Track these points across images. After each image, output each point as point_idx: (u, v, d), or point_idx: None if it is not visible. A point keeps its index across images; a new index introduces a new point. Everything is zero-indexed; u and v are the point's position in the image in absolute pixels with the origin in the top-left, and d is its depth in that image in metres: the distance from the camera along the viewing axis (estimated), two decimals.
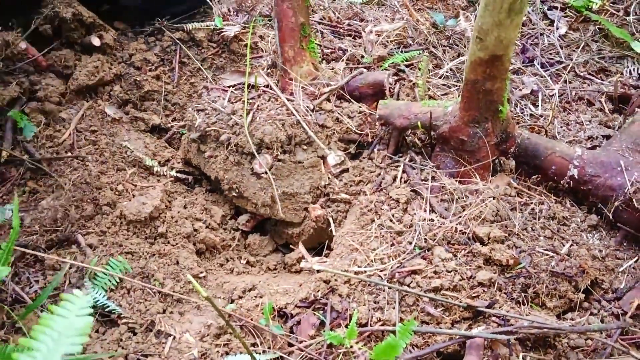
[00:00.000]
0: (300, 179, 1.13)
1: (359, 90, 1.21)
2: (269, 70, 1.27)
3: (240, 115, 1.13)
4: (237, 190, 1.17)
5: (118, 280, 1.03)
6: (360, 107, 1.20)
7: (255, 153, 1.11)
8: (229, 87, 1.23)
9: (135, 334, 0.98)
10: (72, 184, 1.15)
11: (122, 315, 0.99)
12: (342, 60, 1.36)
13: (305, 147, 1.13)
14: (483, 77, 0.97)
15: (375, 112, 1.20)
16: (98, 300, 0.99)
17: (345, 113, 1.18)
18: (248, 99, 1.17)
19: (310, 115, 1.14)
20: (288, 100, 1.16)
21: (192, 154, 1.21)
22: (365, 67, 1.28)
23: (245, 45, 1.47)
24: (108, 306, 0.99)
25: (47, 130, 1.25)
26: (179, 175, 1.22)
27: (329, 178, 1.13)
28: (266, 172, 1.12)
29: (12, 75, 1.24)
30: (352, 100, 1.20)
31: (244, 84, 1.22)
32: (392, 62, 1.35)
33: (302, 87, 1.17)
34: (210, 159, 1.17)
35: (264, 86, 1.22)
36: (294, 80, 1.18)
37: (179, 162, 1.26)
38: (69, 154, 1.22)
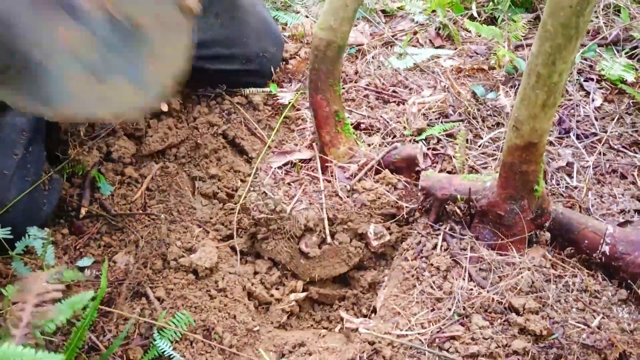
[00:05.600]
0: (344, 259, 1.24)
1: (394, 164, 1.31)
2: (310, 149, 1.39)
3: (285, 202, 1.26)
4: (287, 269, 1.29)
5: (182, 333, 1.14)
6: (398, 180, 1.30)
7: (301, 238, 1.24)
8: (278, 168, 1.36)
9: None
10: (144, 241, 1.28)
11: None
12: (378, 134, 1.47)
13: (346, 226, 1.24)
14: (519, 160, 1.07)
15: (410, 183, 1.30)
16: (165, 351, 1.11)
17: (382, 190, 1.28)
18: (291, 181, 1.29)
19: (349, 195, 1.25)
20: (328, 181, 1.27)
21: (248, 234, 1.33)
22: (399, 141, 1.39)
23: (297, 111, 1.59)
24: (174, 357, 1.10)
25: (120, 189, 1.39)
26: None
27: (371, 254, 1.23)
28: (314, 254, 1.23)
29: (92, 140, 1.39)
30: (390, 175, 1.30)
31: (289, 163, 1.35)
32: (430, 134, 1.45)
33: (340, 167, 1.28)
34: (262, 242, 1.29)
35: (307, 161, 1.34)
36: (332, 162, 1.29)
37: (240, 237, 1.37)
38: (140, 211, 1.36)
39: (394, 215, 1.27)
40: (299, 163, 1.34)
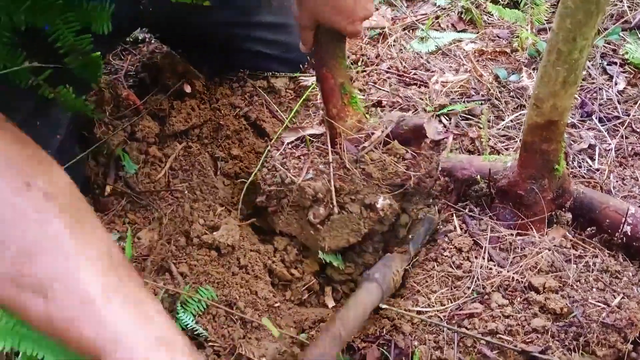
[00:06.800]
0: (353, 228, 1.25)
1: (402, 136, 1.30)
2: (322, 125, 1.39)
3: (294, 174, 1.27)
4: (299, 241, 1.31)
5: (205, 307, 1.17)
6: (406, 151, 1.29)
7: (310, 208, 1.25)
8: (288, 144, 1.37)
9: (219, 356, 1.11)
10: (168, 218, 1.31)
11: (208, 339, 1.13)
12: (397, 110, 1.47)
13: (353, 197, 1.24)
14: (540, 139, 1.07)
15: (418, 154, 1.29)
16: (188, 325, 1.13)
17: (390, 161, 1.27)
18: (301, 155, 1.30)
19: (356, 166, 1.25)
20: (336, 153, 1.27)
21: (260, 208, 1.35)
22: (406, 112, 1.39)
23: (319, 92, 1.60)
24: (197, 330, 1.13)
25: (144, 168, 1.41)
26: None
27: (380, 222, 1.23)
28: (321, 224, 1.24)
29: (117, 120, 1.42)
30: (397, 146, 1.29)
31: (300, 138, 1.35)
32: (452, 109, 1.45)
33: (348, 140, 1.28)
34: (273, 215, 1.30)
35: (317, 136, 1.35)
36: (340, 135, 1.29)
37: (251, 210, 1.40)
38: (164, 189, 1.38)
39: (401, 186, 1.26)
40: (309, 138, 1.34)
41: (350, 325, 1.05)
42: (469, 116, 1.45)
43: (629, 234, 1.13)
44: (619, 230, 1.14)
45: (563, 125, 1.05)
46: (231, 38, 1.57)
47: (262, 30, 1.59)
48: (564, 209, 1.18)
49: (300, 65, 1.67)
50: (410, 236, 1.23)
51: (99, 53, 1.15)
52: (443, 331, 1.08)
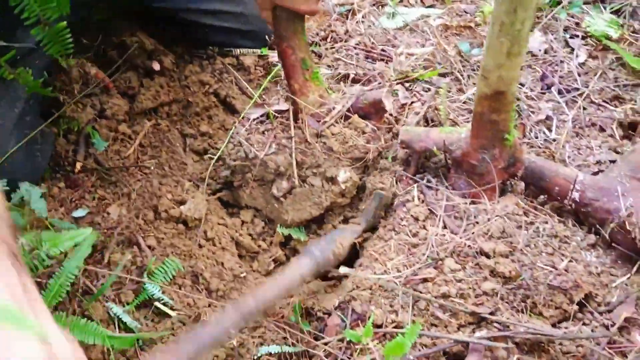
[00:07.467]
0: (315, 201, 1.29)
1: (362, 110, 1.34)
2: (287, 101, 1.42)
3: (258, 149, 1.30)
4: (264, 214, 1.35)
5: (171, 278, 1.21)
6: (366, 125, 1.33)
7: (273, 182, 1.30)
8: (254, 120, 1.40)
9: (184, 324, 1.16)
10: (136, 193, 1.34)
11: (174, 308, 1.17)
12: (360, 84, 1.50)
13: (314, 170, 1.28)
14: (489, 109, 1.10)
15: (379, 128, 1.33)
16: (154, 294, 1.17)
17: (350, 135, 1.31)
18: (264, 130, 1.34)
19: (318, 141, 1.28)
20: (299, 128, 1.31)
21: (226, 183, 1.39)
22: (381, 86, 1.42)
23: None
24: (162, 299, 1.17)
25: (114, 145, 1.44)
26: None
27: (342, 195, 1.27)
28: (284, 197, 1.28)
29: (86, 97, 1.45)
30: (358, 119, 1.33)
31: (265, 114, 1.39)
32: (414, 77, 1.49)
33: (311, 115, 1.32)
34: (238, 189, 1.34)
35: (282, 112, 1.38)
36: (302, 110, 1.32)
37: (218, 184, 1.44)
38: (133, 166, 1.41)
39: (361, 159, 1.30)
40: (273, 113, 1.37)
41: (268, 296, 1.04)
42: (431, 87, 1.48)
43: (578, 200, 1.18)
44: (568, 197, 1.18)
45: (511, 95, 1.09)
46: (185, 14, 1.57)
47: (213, 3, 1.58)
48: (516, 178, 1.22)
49: (267, 37, 1.68)
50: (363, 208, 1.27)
51: (64, 23, 1.17)
52: (398, 295, 1.12)
